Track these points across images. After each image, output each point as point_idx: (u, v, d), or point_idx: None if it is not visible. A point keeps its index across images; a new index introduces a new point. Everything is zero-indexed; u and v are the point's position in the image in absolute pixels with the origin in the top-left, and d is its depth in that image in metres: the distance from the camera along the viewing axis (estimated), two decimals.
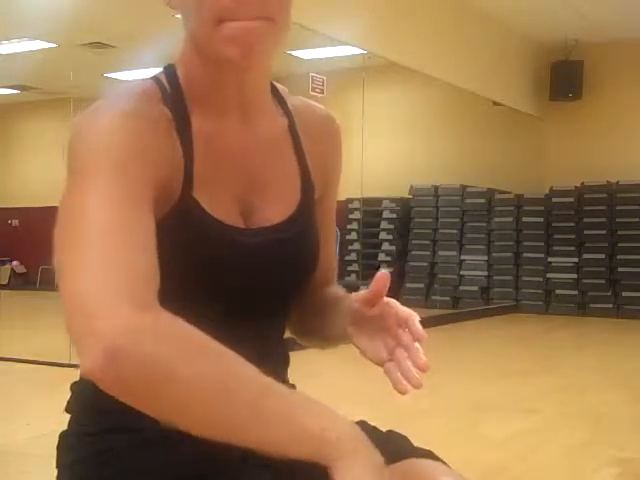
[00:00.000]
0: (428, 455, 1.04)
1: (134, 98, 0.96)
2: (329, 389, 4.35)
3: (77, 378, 1.13)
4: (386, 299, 1.01)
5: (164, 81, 1.01)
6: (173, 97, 1.00)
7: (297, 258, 1.08)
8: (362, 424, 1.10)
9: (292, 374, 1.19)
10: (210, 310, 0.94)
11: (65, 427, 1.12)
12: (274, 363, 1.07)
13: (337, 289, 1.21)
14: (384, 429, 1.11)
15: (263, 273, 1.04)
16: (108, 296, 0.78)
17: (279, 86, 1.13)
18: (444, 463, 1.03)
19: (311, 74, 7.30)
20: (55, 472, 1.10)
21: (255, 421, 0.77)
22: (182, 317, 0.81)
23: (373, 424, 1.12)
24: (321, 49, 9.15)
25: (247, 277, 1.02)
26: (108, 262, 0.81)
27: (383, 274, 0.98)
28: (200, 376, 0.77)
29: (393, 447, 1.03)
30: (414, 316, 0.99)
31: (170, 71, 1.03)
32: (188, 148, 0.98)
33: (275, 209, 1.06)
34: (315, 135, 1.13)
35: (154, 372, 0.75)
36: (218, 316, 0.94)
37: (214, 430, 0.78)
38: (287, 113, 1.11)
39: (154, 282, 0.83)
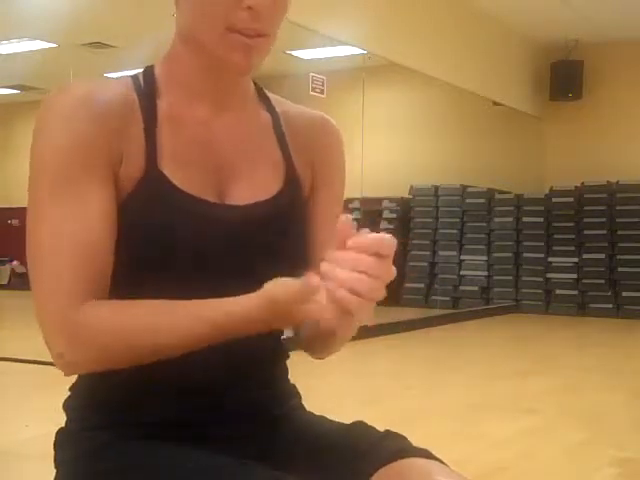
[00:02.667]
0: (425, 454, 1.04)
1: (99, 84, 1.05)
2: (330, 389, 4.36)
3: (75, 378, 1.13)
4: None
5: (140, 76, 1.10)
6: (144, 86, 1.08)
7: (270, 239, 1.07)
8: (359, 423, 1.12)
9: (292, 373, 1.20)
10: (177, 279, 1.01)
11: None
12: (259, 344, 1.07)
13: None
14: (382, 429, 1.11)
15: (233, 246, 1.04)
16: (57, 299, 0.96)
17: (269, 93, 1.19)
18: (442, 462, 1.03)
19: (311, 74, 7.30)
20: (53, 472, 1.10)
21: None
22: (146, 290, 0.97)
23: (370, 424, 1.12)
24: (321, 49, 9.15)
25: (214, 248, 1.03)
26: (56, 270, 0.97)
27: (344, 219, 0.88)
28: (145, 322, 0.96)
29: (390, 446, 1.04)
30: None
31: (148, 68, 1.11)
32: (151, 125, 1.04)
33: (252, 192, 1.08)
34: (301, 133, 1.16)
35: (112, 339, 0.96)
36: (185, 286, 1.00)
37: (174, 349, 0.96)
38: (271, 112, 1.16)
39: (90, 277, 0.98)
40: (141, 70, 1.12)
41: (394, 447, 1.04)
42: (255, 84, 1.17)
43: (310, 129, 1.17)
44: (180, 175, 1.04)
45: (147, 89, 1.07)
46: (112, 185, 1.00)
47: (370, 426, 1.11)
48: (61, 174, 0.98)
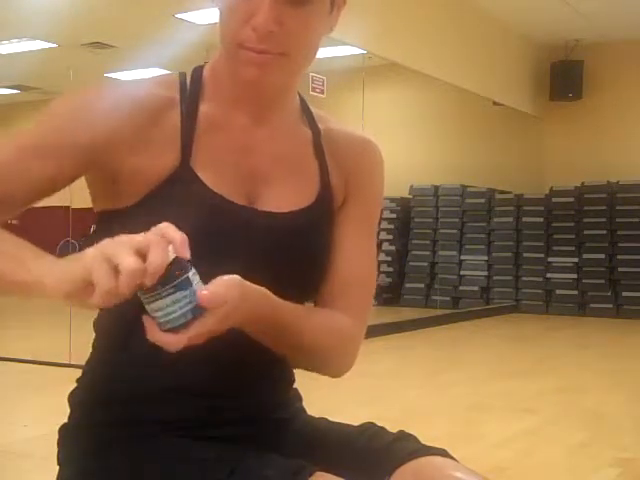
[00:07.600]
0: (442, 453, 1.06)
1: (141, 82, 1.09)
2: (330, 389, 4.36)
3: (79, 375, 1.13)
4: None
5: (188, 76, 1.12)
6: (190, 87, 1.10)
7: (292, 249, 1.08)
8: (371, 425, 1.12)
9: (296, 375, 1.19)
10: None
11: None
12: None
13: (336, 320, 1.12)
14: (392, 430, 1.12)
15: (252, 249, 1.04)
16: None
17: (314, 109, 1.19)
18: (457, 461, 1.06)
19: (311, 74, 7.29)
20: (55, 472, 1.10)
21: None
22: None
23: (381, 425, 1.13)
24: (321, 49, 9.12)
25: (233, 249, 1.03)
26: None
27: None
28: None
29: (407, 446, 1.06)
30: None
31: (197, 68, 1.13)
32: (189, 126, 1.06)
33: (283, 201, 1.09)
34: (340, 151, 1.17)
35: None
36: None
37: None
38: (312, 127, 1.16)
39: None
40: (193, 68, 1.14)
41: (411, 447, 1.06)
42: (301, 99, 1.18)
43: (349, 148, 1.18)
44: (211, 176, 1.05)
45: (192, 91, 1.09)
46: (75, 168, 1.04)
47: (382, 427, 1.12)
48: (46, 131, 1.08)
